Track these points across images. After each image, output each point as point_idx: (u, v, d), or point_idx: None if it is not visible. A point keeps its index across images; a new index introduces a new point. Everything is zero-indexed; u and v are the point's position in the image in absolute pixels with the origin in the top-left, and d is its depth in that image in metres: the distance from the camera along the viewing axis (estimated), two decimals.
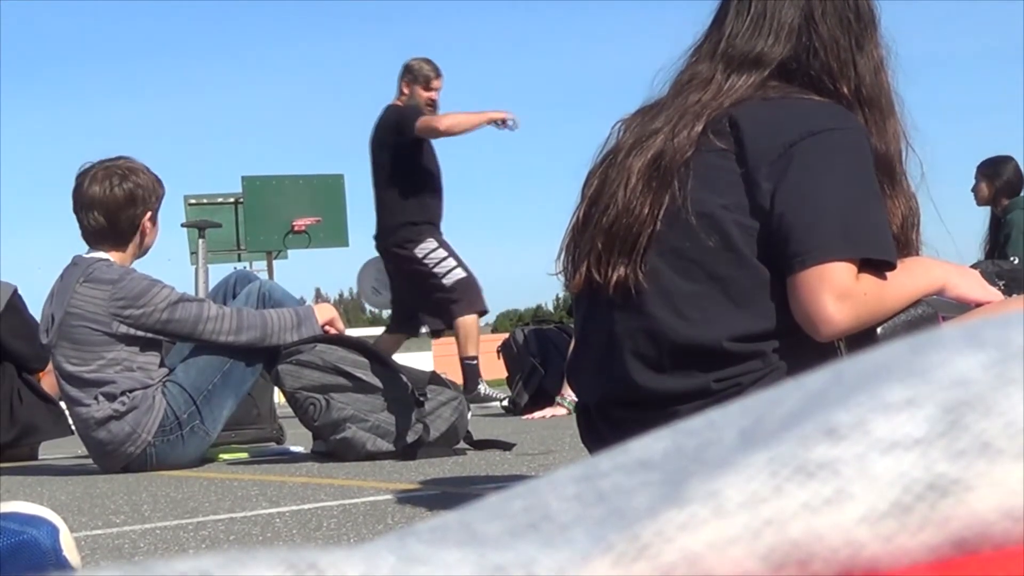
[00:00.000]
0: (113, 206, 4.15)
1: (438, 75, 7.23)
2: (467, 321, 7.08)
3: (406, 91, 7.18)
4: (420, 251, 7.05)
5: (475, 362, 7.09)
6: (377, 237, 7.27)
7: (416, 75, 7.17)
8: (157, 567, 0.35)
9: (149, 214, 4.23)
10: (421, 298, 7.13)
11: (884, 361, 0.40)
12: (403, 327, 7.43)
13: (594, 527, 0.37)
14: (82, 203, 4.19)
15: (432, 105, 7.17)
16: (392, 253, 7.18)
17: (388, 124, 7.10)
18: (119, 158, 4.29)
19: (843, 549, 0.34)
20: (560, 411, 6.21)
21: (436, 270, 7.03)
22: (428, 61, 7.27)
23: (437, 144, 7.19)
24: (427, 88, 7.16)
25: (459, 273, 7.08)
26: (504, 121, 7.00)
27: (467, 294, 7.09)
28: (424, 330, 7.49)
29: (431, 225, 7.13)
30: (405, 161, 7.04)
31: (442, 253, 7.08)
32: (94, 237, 4.21)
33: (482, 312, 7.29)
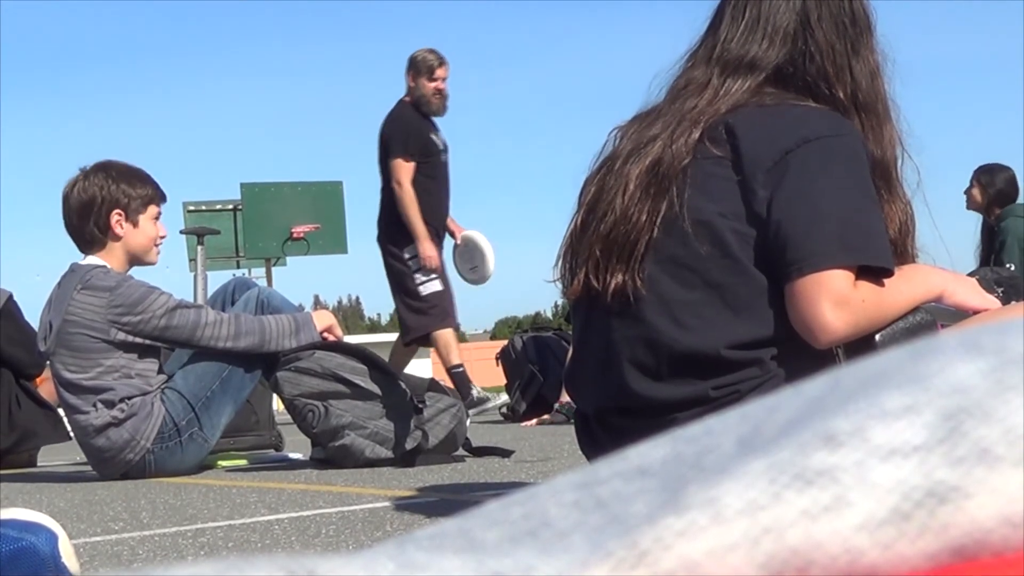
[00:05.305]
0: (77, 207, 4.18)
1: (442, 63, 7.16)
2: (443, 334, 7.09)
3: (412, 84, 7.15)
4: (408, 252, 7.07)
5: (461, 368, 7.08)
6: (377, 230, 7.32)
7: (420, 67, 7.13)
8: (156, 574, 0.35)
9: (119, 213, 4.21)
10: (395, 296, 7.17)
11: (883, 368, 0.40)
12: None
13: (593, 534, 0.37)
14: (63, 209, 4.23)
15: (440, 94, 7.13)
16: (384, 248, 7.23)
17: (384, 132, 7.12)
18: (100, 161, 4.30)
19: (842, 556, 0.34)
20: (558, 418, 6.20)
21: (416, 275, 7.05)
22: (432, 51, 7.21)
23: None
24: (431, 78, 7.11)
25: (435, 286, 7.07)
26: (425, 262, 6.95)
27: (438, 308, 7.08)
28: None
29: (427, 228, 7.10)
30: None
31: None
32: (78, 242, 4.23)
33: (452, 328, 7.26)
